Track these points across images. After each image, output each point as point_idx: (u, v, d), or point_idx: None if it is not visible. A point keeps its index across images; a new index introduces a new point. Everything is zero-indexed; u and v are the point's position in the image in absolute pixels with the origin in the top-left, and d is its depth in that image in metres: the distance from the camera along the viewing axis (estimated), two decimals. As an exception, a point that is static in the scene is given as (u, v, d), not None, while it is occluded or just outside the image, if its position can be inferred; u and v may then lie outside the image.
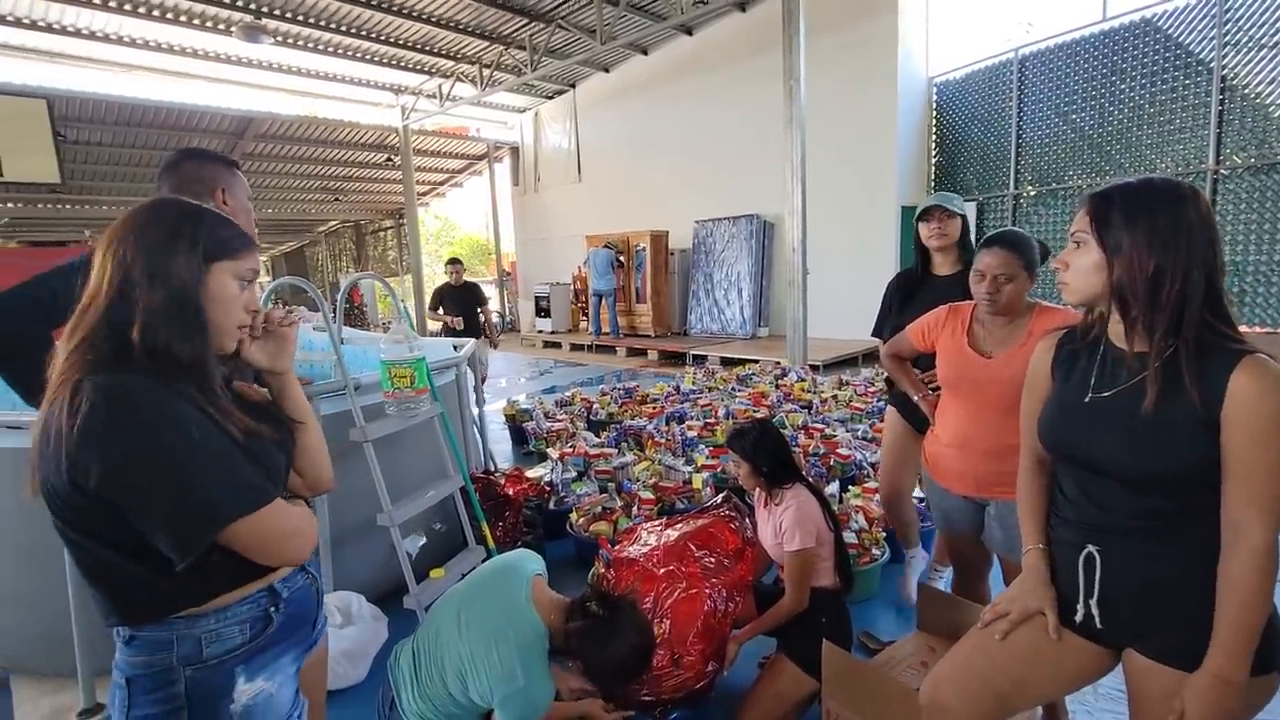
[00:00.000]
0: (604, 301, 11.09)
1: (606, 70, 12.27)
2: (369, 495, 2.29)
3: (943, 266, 2.36)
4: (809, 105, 7.03)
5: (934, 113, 9.24)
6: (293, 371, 1.18)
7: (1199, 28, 6.79)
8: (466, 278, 6.22)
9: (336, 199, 16.37)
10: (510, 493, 3.13)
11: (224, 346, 1.03)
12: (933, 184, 9.33)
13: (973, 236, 2.41)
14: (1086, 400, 1.19)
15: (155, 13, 8.26)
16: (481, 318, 6.08)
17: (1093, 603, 1.20)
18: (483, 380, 5.97)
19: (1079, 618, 1.22)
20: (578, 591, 1.71)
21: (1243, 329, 1.11)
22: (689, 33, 10.85)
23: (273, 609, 1.06)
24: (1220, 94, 6.65)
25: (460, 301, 5.98)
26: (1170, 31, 6.99)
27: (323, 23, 9.16)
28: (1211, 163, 6.75)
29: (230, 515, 0.92)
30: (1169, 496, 1.12)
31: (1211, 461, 1.06)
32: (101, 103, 9.76)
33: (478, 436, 3.86)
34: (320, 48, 9.92)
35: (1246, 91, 6.58)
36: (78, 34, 8.64)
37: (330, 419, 2.50)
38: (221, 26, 8.72)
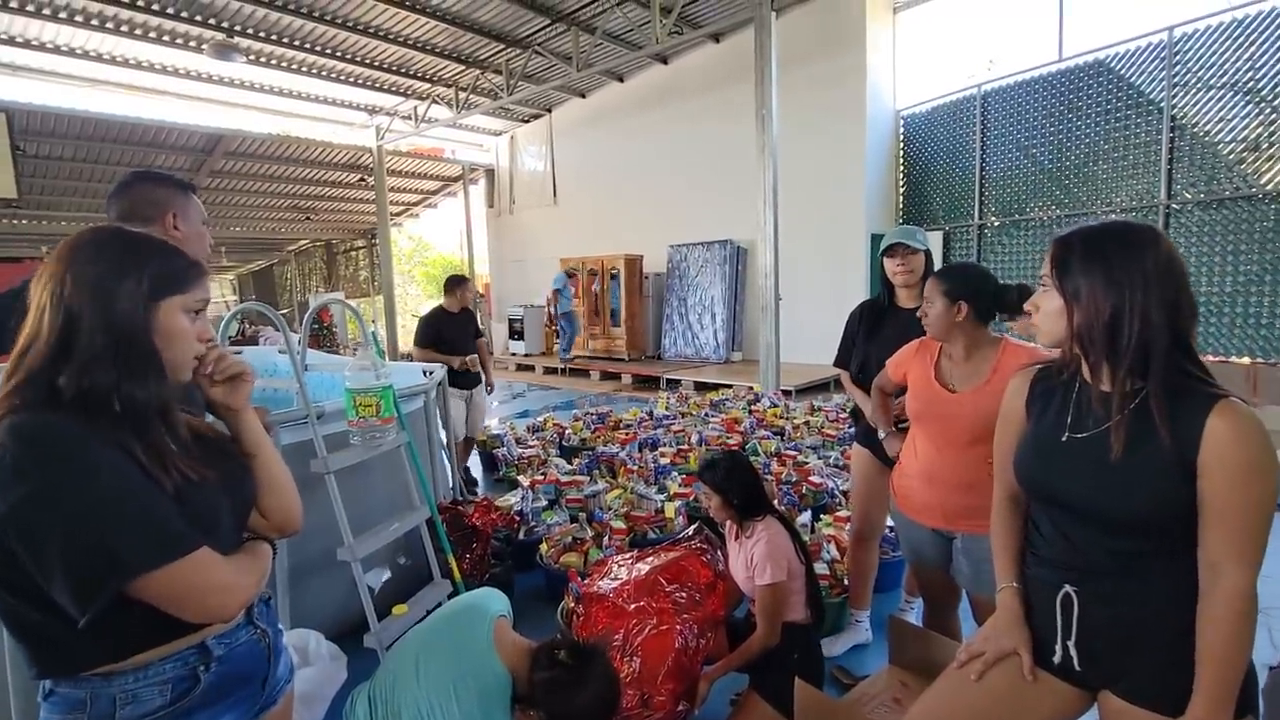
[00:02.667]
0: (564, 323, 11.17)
1: (583, 96, 12.39)
2: (330, 528, 2.21)
3: (908, 300, 2.38)
4: (781, 135, 7.16)
5: (901, 144, 9.50)
6: (249, 408, 1.13)
7: (1149, 69, 7.11)
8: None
9: (308, 218, 16.11)
10: (478, 523, 3.06)
11: (179, 379, 0.99)
12: (900, 213, 9.55)
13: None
14: (1063, 440, 1.19)
15: (124, 28, 8.12)
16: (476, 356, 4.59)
17: (1071, 644, 1.19)
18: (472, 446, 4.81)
19: (1057, 659, 1.21)
20: (548, 627, 1.65)
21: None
22: (664, 62, 11.05)
23: (202, 668, 0.98)
24: (1170, 132, 6.95)
25: (465, 335, 4.53)
26: (1123, 72, 7.31)
27: (297, 42, 9.10)
28: (1163, 197, 7.02)
29: (136, 567, 0.84)
30: (1146, 538, 1.11)
31: (1188, 504, 1.05)
32: (64, 117, 9.50)
33: (446, 464, 3.77)
34: (294, 67, 9.83)
35: (1195, 130, 6.89)
36: (41, 47, 8.44)
37: (291, 449, 2.42)
38: (193, 44, 8.60)
